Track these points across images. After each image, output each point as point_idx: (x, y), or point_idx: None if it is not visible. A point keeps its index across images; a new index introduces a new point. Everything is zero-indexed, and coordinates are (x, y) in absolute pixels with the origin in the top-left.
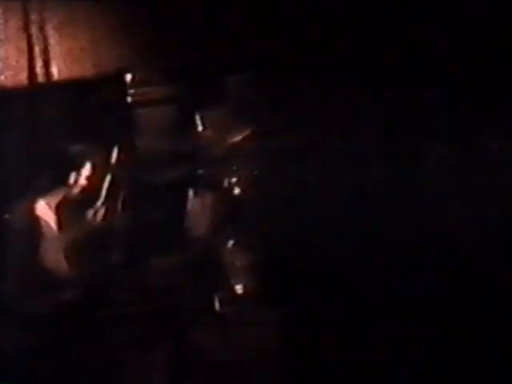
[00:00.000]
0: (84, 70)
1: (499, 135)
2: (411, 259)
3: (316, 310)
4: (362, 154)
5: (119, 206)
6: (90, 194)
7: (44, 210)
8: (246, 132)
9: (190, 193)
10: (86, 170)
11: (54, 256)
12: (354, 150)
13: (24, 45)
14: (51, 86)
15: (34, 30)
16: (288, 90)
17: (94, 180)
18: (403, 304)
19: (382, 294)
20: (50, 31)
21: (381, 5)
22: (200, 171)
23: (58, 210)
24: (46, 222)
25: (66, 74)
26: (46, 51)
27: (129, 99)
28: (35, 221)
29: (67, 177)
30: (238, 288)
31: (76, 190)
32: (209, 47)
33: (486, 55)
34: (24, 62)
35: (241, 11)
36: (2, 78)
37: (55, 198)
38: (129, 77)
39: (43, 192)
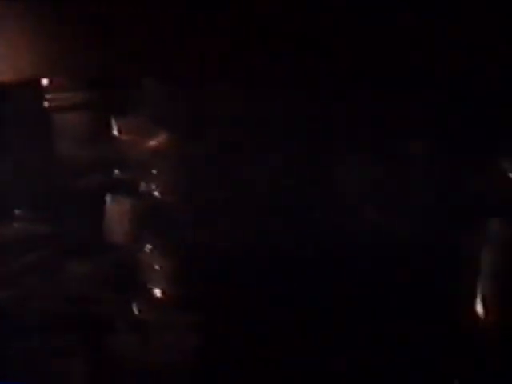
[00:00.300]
0: (0, 74)
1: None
2: (326, 262)
3: (234, 314)
4: (274, 164)
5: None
6: None
7: None
8: (163, 137)
9: (108, 198)
10: None
11: None
12: (273, 155)
13: None
14: None
15: None
16: (206, 95)
17: None
18: (316, 304)
19: (296, 296)
20: None
21: None
22: (118, 176)
23: None
24: None
25: None
26: None
27: (45, 104)
28: None
29: None
30: (157, 293)
31: None
32: (126, 53)
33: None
34: None
35: (160, 18)
36: None
37: None
38: (45, 82)
39: None
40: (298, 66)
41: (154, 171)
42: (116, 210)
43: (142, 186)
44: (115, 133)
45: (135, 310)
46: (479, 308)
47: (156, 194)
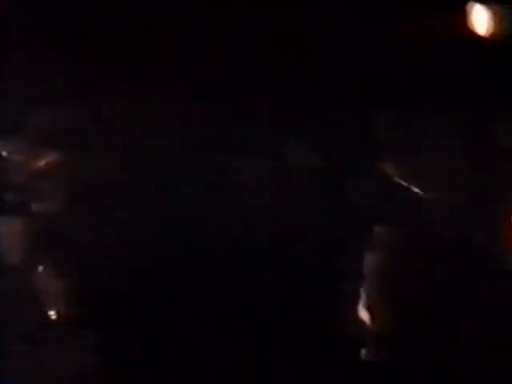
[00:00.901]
0: None
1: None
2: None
3: (133, 333)
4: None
5: None
6: None
7: None
8: (52, 157)
9: None
10: None
11: None
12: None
13: None
14: None
15: None
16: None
17: None
18: (227, 313)
19: (193, 310)
20: None
21: None
22: (7, 197)
23: None
24: None
25: None
26: None
27: None
28: None
29: None
30: (52, 314)
31: None
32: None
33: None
34: None
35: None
36: None
37: None
38: None
39: None
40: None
41: (45, 191)
42: (7, 231)
43: (34, 207)
44: (4, 153)
45: (30, 332)
46: (363, 313)
47: (48, 214)
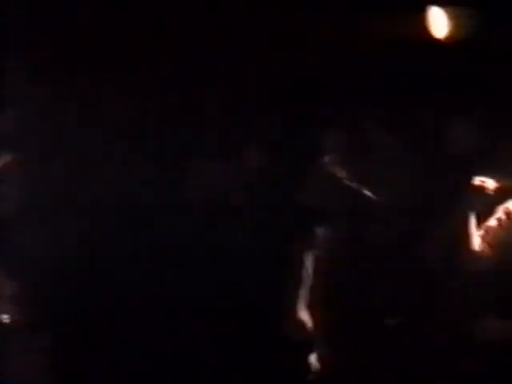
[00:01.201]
0: None
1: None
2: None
3: (85, 335)
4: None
5: None
6: None
7: None
8: (7, 158)
9: None
10: None
11: None
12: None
13: None
14: None
15: None
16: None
17: None
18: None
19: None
20: None
21: None
22: None
23: None
24: None
25: None
26: None
27: None
28: None
29: None
30: (5, 318)
31: None
32: None
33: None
34: None
35: None
36: None
37: None
38: None
39: None
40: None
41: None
42: None
43: None
44: None
45: None
46: (303, 315)
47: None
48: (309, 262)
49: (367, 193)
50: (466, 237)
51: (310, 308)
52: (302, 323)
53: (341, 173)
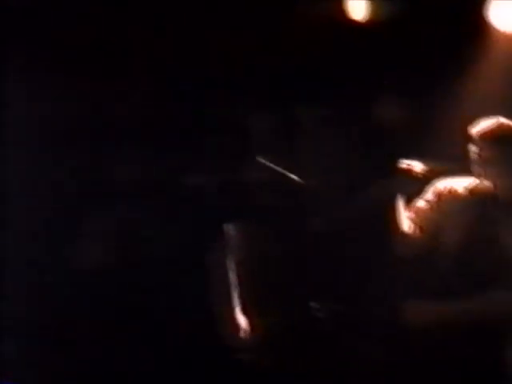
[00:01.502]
0: None
1: None
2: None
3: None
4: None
5: None
6: None
7: None
8: None
9: None
10: None
11: None
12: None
13: None
14: None
15: None
16: None
17: None
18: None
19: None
20: None
21: None
22: None
23: None
24: None
25: None
26: None
27: None
28: None
29: None
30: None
31: None
32: None
33: None
34: None
35: None
36: None
37: None
38: None
39: None
40: None
41: None
42: None
43: None
44: None
45: None
46: (240, 318)
47: None
48: (231, 263)
49: (294, 178)
50: (394, 220)
51: (245, 311)
52: (239, 327)
53: (270, 160)
